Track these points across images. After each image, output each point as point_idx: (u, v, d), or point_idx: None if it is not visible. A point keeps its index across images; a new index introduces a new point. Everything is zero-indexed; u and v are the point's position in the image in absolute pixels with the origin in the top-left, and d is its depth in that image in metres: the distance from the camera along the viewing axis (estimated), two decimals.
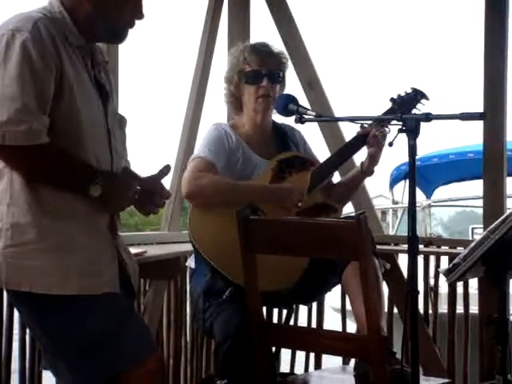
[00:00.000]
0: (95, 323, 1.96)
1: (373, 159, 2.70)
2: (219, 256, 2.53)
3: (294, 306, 3.21)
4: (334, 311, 4.47)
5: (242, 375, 2.43)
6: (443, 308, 3.60)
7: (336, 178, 2.96)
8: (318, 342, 2.29)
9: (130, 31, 2.09)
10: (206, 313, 2.61)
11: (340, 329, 3.55)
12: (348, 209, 3.62)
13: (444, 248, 3.61)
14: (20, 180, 1.92)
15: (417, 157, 2.10)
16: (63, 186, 1.94)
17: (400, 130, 2.14)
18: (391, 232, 8.58)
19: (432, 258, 3.61)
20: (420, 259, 3.42)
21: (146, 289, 3.28)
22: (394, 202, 9.40)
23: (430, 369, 3.33)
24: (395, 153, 2.41)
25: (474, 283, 3.52)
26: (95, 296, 1.96)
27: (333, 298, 3.83)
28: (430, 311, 3.57)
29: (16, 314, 2.31)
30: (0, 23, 1.94)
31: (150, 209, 2.17)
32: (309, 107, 2.54)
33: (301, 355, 3.62)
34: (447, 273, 2.21)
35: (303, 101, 2.70)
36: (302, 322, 3.63)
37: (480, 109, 3.40)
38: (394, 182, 9.02)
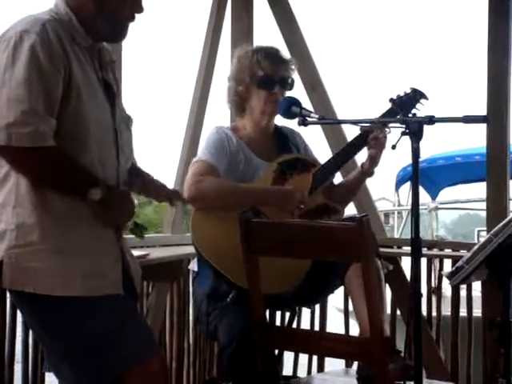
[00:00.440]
0: (98, 324, 1.96)
1: (373, 160, 2.70)
2: (222, 259, 2.53)
3: (297, 309, 3.20)
4: (337, 311, 4.46)
5: (247, 378, 2.43)
6: (446, 311, 3.59)
7: (337, 178, 2.96)
8: (320, 344, 2.28)
9: (133, 32, 2.11)
10: (209, 316, 2.60)
11: (343, 330, 3.55)
12: (351, 211, 3.61)
13: (447, 251, 3.60)
14: (26, 182, 1.92)
15: (423, 158, 2.11)
16: (65, 189, 1.95)
17: (403, 133, 2.14)
18: (396, 234, 8.57)
19: (435, 261, 3.60)
20: (423, 262, 3.42)
21: (149, 291, 3.28)
22: (400, 204, 9.39)
23: (433, 371, 3.32)
24: (399, 155, 2.41)
25: (477, 286, 3.51)
26: (98, 297, 1.96)
27: (336, 298, 3.82)
28: (434, 314, 3.57)
29: (19, 315, 2.31)
30: (8, 25, 1.95)
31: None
32: (312, 109, 2.54)
33: (303, 358, 3.62)
34: (450, 276, 2.20)
35: (306, 103, 2.70)
36: (305, 324, 3.63)
37: (483, 111, 3.40)
38: (399, 183, 9.02)
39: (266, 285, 2.28)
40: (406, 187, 8.76)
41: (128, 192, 2.10)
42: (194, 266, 2.78)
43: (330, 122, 3.37)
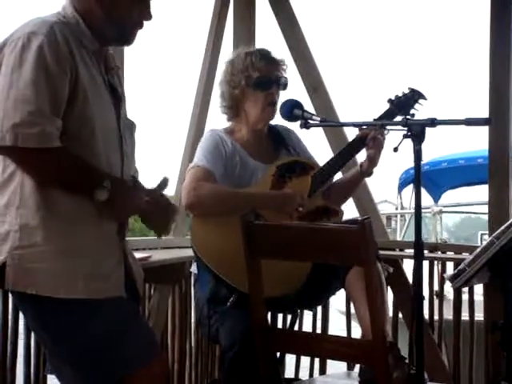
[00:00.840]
0: (99, 327, 1.96)
1: (372, 161, 2.70)
2: (222, 264, 2.52)
3: (299, 311, 3.20)
4: (339, 314, 4.46)
5: (248, 381, 2.42)
6: (449, 314, 3.58)
7: (336, 178, 2.95)
8: (322, 347, 2.28)
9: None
10: (211, 319, 2.60)
11: (345, 332, 3.55)
12: (353, 213, 3.62)
13: (449, 254, 3.60)
14: (31, 183, 1.93)
15: (426, 161, 2.11)
16: (71, 189, 1.95)
17: (405, 136, 2.14)
18: (398, 237, 8.57)
19: (437, 264, 3.60)
20: (425, 264, 3.41)
21: (151, 293, 3.28)
22: (402, 207, 9.39)
23: (435, 375, 3.32)
24: (402, 157, 2.41)
25: (479, 290, 3.51)
26: (100, 300, 1.96)
27: (338, 300, 3.82)
28: (436, 317, 3.56)
29: (22, 317, 2.31)
30: (16, 27, 1.95)
31: (161, 223, 2.18)
32: (313, 112, 2.54)
33: (305, 360, 3.62)
34: (452, 278, 2.20)
35: (308, 105, 2.70)
36: (307, 327, 3.63)
37: (485, 114, 3.40)
38: (402, 185, 9.03)
39: (267, 288, 2.28)
40: (409, 190, 8.77)
41: (134, 187, 2.09)
42: (195, 268, 2.78)
43: (331, 125, 3.37)
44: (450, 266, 3.45)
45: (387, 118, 2.64)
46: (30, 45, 1.87)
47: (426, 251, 3.24)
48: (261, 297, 2.25)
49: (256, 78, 2.73)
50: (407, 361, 2.40)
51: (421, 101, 2.71)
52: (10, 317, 2.56)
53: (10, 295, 2.25)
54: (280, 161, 2.76)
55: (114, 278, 2.01)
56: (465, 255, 3.25)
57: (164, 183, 2.13)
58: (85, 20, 2.01)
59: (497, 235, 2.12)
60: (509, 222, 2.15)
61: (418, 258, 2.10)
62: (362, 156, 2.77)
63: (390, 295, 3.39)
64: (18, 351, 2.60)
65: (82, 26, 2.01)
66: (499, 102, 3.44)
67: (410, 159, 2.11)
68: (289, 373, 3.50)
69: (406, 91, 2.71)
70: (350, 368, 3.32)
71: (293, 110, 2.54)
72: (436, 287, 3.63)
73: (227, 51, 3.81)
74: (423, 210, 2.11)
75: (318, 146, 3.10)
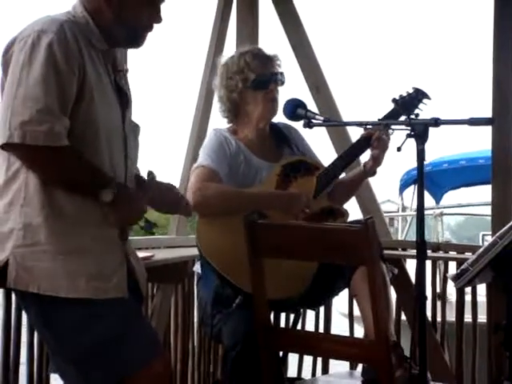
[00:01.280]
0: (102, 327, 1.96)
1: (376, 161, 2.70)
2: (227, 264, 2.52)
3: (301, 311, 3.20)
4: (341, 316, 4.46)
5: (251, 381, 2.42)
6: (451, 316, 3.58)
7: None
8: (325, 346, 2.28)
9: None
10: (214, 318, 2.60)
11: (347, 334, 3.54)
12: (356, 213, 3.61)
13: (452, 253, 3.60)
14: (35, 181, 1.93)
15: (427, 161, 2.11)
16: (77, 189, 1.95)
17: (408, 135, 2.14)
18: (400, 237, 8.57)
19: (440, 264, 3.60)
20: (428, 264, 3.41)
21: (154, 293, 3.28)
22: (403, 207, 9.39)
23: (438, 375, 3.31)
24: (403, 158, 2.41)
25: (482, 291, 3.50)
26: (102, 300, 1.96)
27: (340, 303, 3.82)
28: (439, 318, 3.56)
29: (24, 317, 2.32)
30: (26, 25, 1.96)
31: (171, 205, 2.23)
32: (317, 111, 2.54)
33: (308, 360, 3.61)
34: (455, 278, 2.20)
35: (311, 105, 2.70)
36: (310, 328, 3.62)
37: (488, 114, 3.40)
38: (403, 186, 9.02)
39: (272, 290, 2.27)
40: (410, 191, 8.77)
41: (138, 191, 2.10)
42: (198, 267, 2.77)
43: (335, 124, 3.37)
44: (452, 266, 3.44)
45: (392, 117, 2.64)
46: (40, 42, 1.88)
47: (428, 251, 3.24)
48: (264, 296, 2.25)
49: (253, 79, 2.71)
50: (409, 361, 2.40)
51: (425, 100, 2.71)
52: (12, 315, 2.56)
53: (12, 294, 2.25)
54: (285, 160, 2.76)
55: (116, 278, 2.01)
56: (468, 255, 3.25)
57: (151, 177, 2.13)
58: (94, 19, 2.02)
59: (500, 235, 2.12)
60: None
61: (421, 258, 2.10)
62: (365, 156, 2.78)
63: (393, 295, 3.38)
64: (21, 350, 2.61)
65: (91, 25, 2.01)
66: (502, 102, 3.45)
67: (413, 159, 2.12)
68: (291, 372, 3.49)
69: (411, 91, 2.71)
70: (353, 367, 3.32)
71: (296, 109, 2.54)
72: (438, 289, 3.63)
73: (230, 50, 3.82)
74: (425, 211, 2.11)
75: (321, 146, 3.09)
